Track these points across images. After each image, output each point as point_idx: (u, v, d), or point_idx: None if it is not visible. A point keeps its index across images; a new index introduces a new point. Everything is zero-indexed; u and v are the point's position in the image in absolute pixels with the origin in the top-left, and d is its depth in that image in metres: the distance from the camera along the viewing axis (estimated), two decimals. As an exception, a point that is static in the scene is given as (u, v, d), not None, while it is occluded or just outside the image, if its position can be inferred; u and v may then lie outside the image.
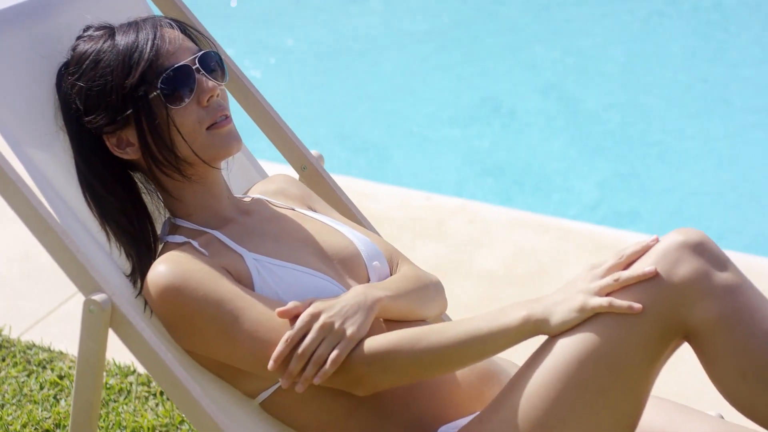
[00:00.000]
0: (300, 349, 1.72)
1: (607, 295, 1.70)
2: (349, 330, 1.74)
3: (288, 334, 1.73)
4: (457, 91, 5.65)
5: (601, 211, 4.70)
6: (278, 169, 3.67)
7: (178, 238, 1.86)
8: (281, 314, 1.74)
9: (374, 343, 1.75)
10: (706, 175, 4.93)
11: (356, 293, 1.80)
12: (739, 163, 5.02)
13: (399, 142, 5.25)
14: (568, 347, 1.69)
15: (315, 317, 1.74)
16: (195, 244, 1.83)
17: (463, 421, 1.82)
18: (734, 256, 3.48)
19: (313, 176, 2.24)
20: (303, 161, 2.24)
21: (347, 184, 3.81)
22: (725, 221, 4.64)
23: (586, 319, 1.69)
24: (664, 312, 1.68)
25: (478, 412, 1.81)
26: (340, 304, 1.76)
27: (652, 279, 1.69)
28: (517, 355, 2.97)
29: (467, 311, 3.19)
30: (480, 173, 5.02)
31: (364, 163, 5.10)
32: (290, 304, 1.75)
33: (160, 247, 1.90)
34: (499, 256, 3.50)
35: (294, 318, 1.75)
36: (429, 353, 1.73)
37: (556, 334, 1.70)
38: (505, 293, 3.32)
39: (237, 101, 2.24)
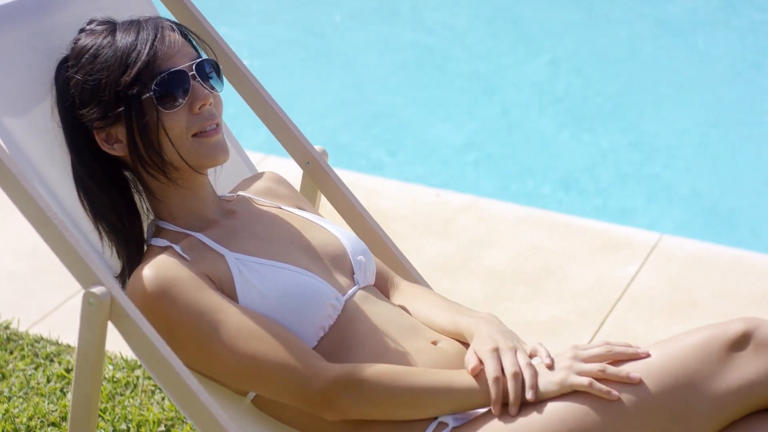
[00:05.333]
0: (510, 375, 1.75)
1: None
2: (518, 343, 1.81)
3: (494, 386, 1.75)
4: (467, 87, 5.65)
5: (608, 209, 4.69)
6: (282, 164, 3.67)
7: (162, 242, 1.86)
8: (473, 372, 1.77)
9: (356, 370, 1.75)
10: (712, 173, 4.91)
11: (487, 323, 1.86)
12: (744, 161, 5.00)
13: (412, 139, 5.24)
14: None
15: (496, 350, 1.78)
16: (177, 248, 1.83)
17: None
18: (748, 256, 3.47)
19: (317, 171, 2.23)
20: (306, 156, 2.24)
21: (354, 179, 3.81)
22: (732, 220, 4.63)
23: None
24: (747, 393, 1.70)
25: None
26: (496, 334, 1.82)
27: (728, 371, 1.70)
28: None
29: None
30: (487, 170, 5.02)
31: (371, 158, 5.10)
32: (473, 364, 1.78)
33: (145, 249, 1.90)
34: (507, 254, 3.49)
35: (477, 366, 1.78)
36: (406, 392, 1.75)
37: (531, 402, 1.73)
38: (513, 291, 3.31)
39: (240, 95, 2.24)
